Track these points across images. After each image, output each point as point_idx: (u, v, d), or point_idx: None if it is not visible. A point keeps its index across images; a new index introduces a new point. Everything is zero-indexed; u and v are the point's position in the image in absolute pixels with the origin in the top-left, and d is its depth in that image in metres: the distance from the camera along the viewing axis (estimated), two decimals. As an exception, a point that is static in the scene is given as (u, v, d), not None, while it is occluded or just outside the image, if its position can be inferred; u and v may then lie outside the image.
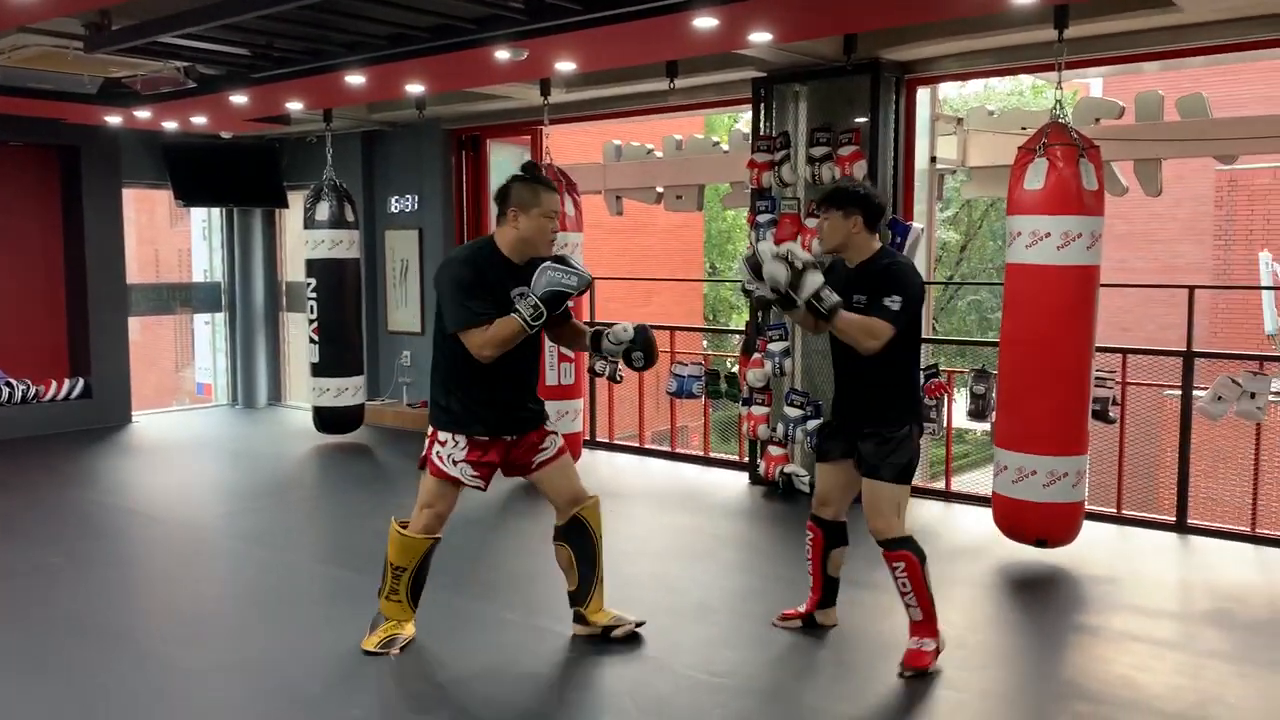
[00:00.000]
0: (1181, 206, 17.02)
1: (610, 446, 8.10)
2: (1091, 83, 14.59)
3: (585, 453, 7.57)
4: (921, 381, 4.10)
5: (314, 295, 8.28)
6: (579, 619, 4.27)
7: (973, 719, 3.62)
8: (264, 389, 10.57)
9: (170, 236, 21.86)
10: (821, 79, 6.55)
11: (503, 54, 5.35)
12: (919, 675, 3.84)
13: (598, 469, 7.41)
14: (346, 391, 8.41)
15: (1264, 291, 14.28)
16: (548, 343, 6.82)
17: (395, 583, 4.12)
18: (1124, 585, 4.91)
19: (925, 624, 3.92)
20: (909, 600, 3.92)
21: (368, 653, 4.09)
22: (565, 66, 5.82)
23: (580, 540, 4.20)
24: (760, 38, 5.11)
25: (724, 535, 6.03)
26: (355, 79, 6.09)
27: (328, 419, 8.44)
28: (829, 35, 5.85)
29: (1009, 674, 4.02)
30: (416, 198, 9.25)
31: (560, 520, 4.21)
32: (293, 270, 10.63)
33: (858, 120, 6.37)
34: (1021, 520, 5.15)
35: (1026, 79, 19.20)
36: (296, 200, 10.24)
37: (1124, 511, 5.97)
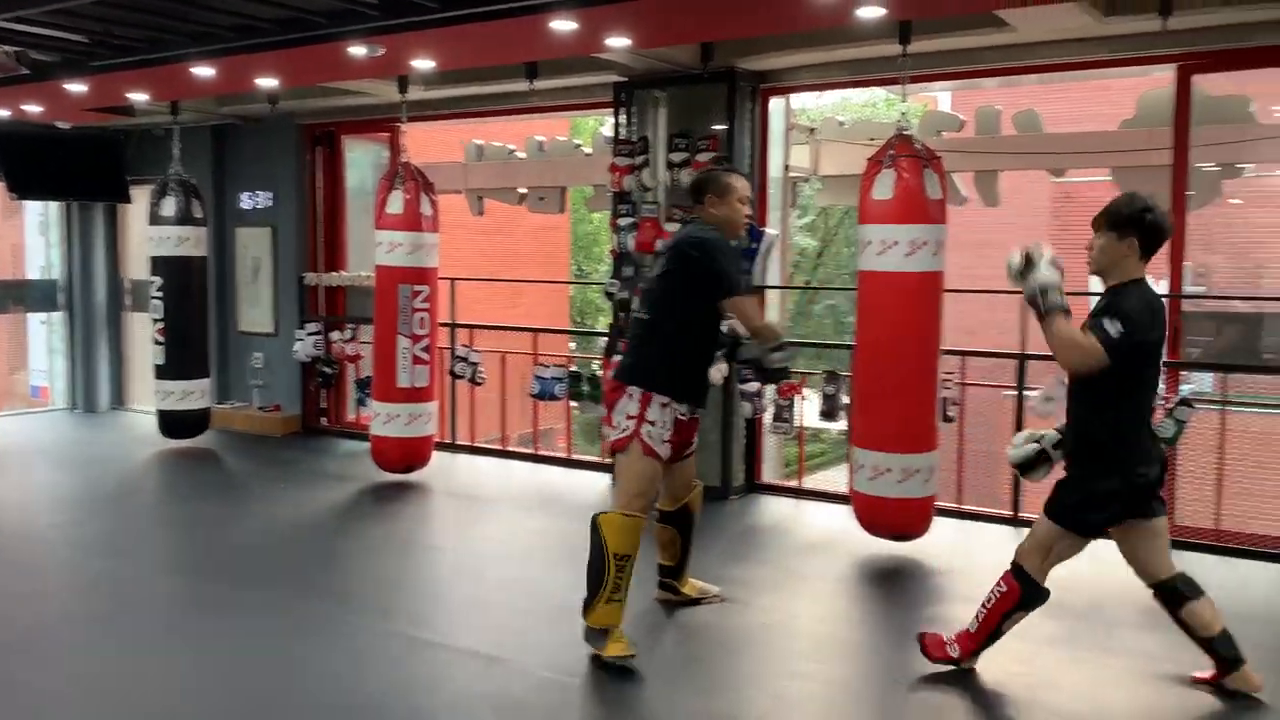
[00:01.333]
0: (1022, 216, 17.91)
1: (472, 450, 8.03)
2: (940, 96, 15.22)
3: (445, 456, 7.50)
4: (1139, 427, 3.66)
5: (159, 294, 7.94)
6: (670, 589, 4.62)
7: (819, 708, 3.74)
8: (106, 392, 10.08)
9: (6, 230, 20.59)
10: (680, 86, 6.65)
11: (358, 50, 5.25)
12: (924, 653, 3.89)
13: (457, 472, 7.34)
14: (192, 394, 8.10)
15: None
16: (401, 346, 6.78)
17: (619, 576, 3.95)
18: (964, 576, 5.15)
19: (973, 635, 3.87)
20: (979, 611, 3.85)
21: (612, 660, 3.93)
22: (423, 64, 5.75)
23: (686, 524, 4.51)
24: (618, 43, 5.16)
25: (586, 537, 6.03)
26: (202, 71, 5.87)
27: (172, 423, 8.10)
28: (686, 43, 5.95)
29: (855, 664, 4.17)
30: (270, 195, 8.97)
31: (670, 506, 4.44)
32: (136, 268, 10.17)
33: (715, 127, 6.49)
34: (879, 515, 5.35)
35: (880, 91, 19.95)
36: (141, 195, 9.80)
37: (965, 506, 6.26)
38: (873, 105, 19.66)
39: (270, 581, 4.99)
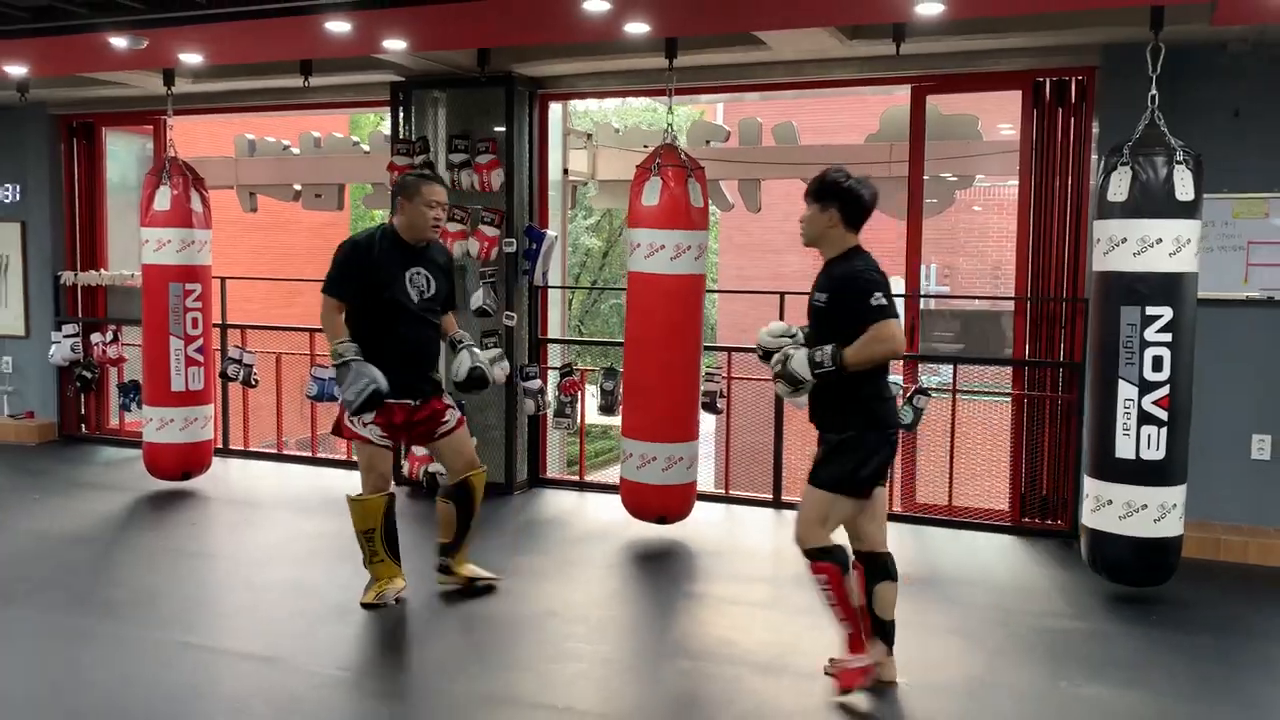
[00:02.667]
0: (789, 221, 18.87)
1: (246, 454, 7.84)
2: (717, 107, 15.94)
3: (219, 462, 7.29)
4: (883, 386, 3.74)
5: (-110, 293, 7.33)
6: (444, 569, 4.81)
7: (593, 685, 3.96)
8: None
9: None
10: (459, 88, 6.75)
11: (119, 42, 5.08)
12: (846, 693, 3.71)
13: (233, 478, 7.16)
14: (-67, 402, 7.51)
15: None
16: (174, 347, 6.57)
17: (370, 546, 4.51)
18: (728, 557, 5.53)
19: (853, 641, 3.75)
20: (835, 614, 3.74)
21: (365, 605, 4.48)
22: (191, 58, 5.61)
23: (464, 501, 4.73)
24: (395, 45, 5.22)
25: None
26: (-57, 55, 5.50)
27: (-91, 433, 7.50)
28: (464, 48, 6.06)
29: (627, 641, 4.42)
30: (18, 188, 8.41)
31: (451, 481, 4.75)
32: None
33: (494, 130, 6.63)
34: (644, 501, 5.65)
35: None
36: None
37: (731, 492, 6.67)
38: (652, 110, 20.25)
39: (29, 594, 4.77)
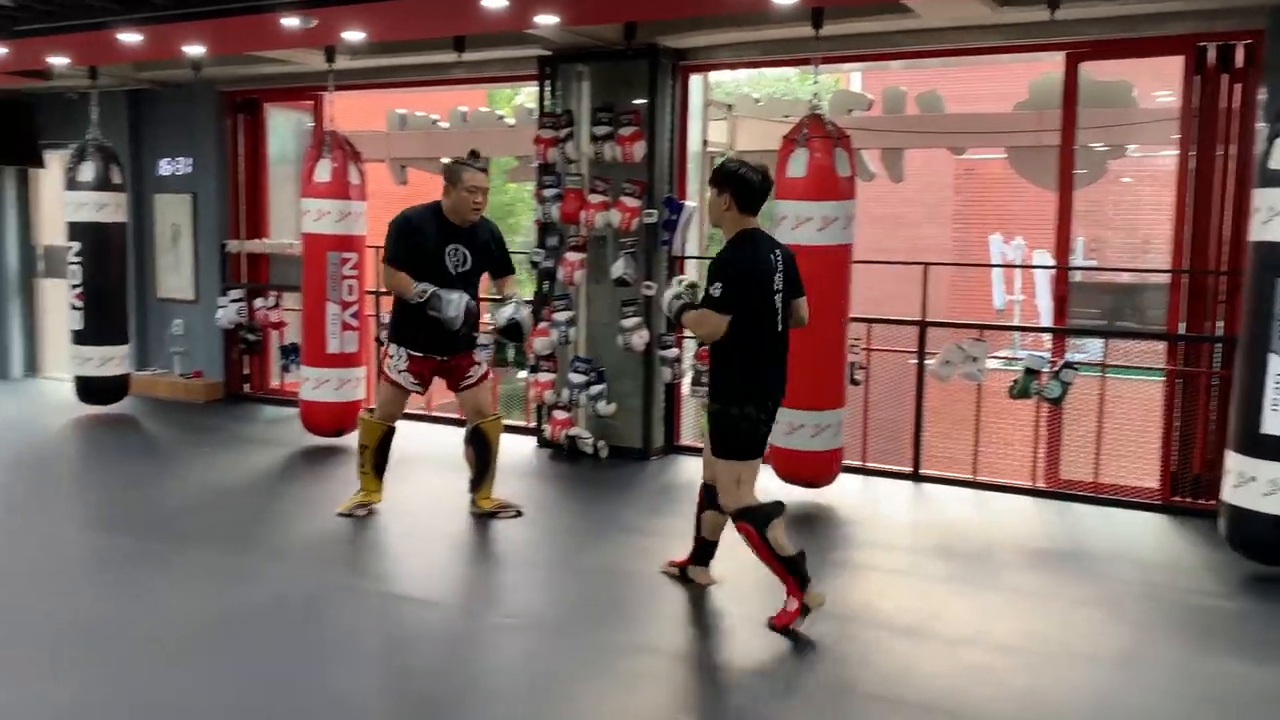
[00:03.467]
0: (927, 192, 18.55)
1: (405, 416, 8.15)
2: (852, 75, 15.69)
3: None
4: (764, 365, 4.16)
5: (77, 260, 7.91)
6: (472, 503, 5.50)
7: (736, 643, 4.07)
8: (19, 359, 9.94)
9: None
10: (603, 61, 6.88)
11: (291, 21, 5.37)
12: (784, 633, 4.01)
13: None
14: (111, 361, 8.09)
15: (993, 270, 15.88)
16: (331, 312, 6.93)
17: (361, 458, 5.47)
18: (867, 525, 5.56)
19: (787, 586, 4.05)
20: (767, 569, 4.09)
21: (340, 514, 5.40)
22: (354, 36, 5.88)
23: (479, 444, 5.44)
24: (547, 20, 5.37)
25: (514, 494, 6.28)
26: (129, 38, 5.91)
27: (90, 389, 8.09)
28: (612, 22, 6.17)
29: (770, 603, 4.46)
30: (190, 161, 8.94)
31: (469, 427, 5.45)
32: (50, 234, 10.03)
33: (636, 102, 6.74)
34: (793, 467, 5.75)
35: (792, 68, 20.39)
36: (54, 160, 9.68)
37: (869, 463, 6.67)
38: (785, 80, 20.06)
39: (203, 538, 5.14)
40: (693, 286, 4.37)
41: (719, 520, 4.41)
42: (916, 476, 6.41)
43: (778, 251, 4.17)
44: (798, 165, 5.52)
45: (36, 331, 10.06)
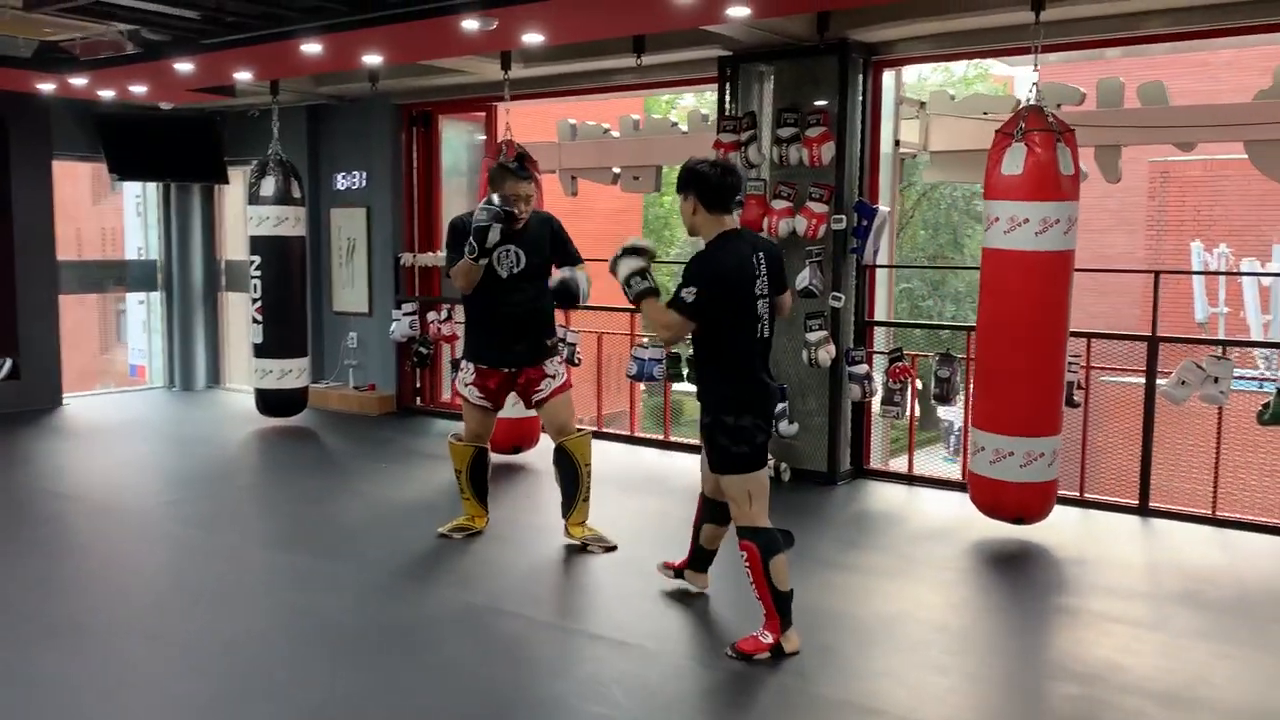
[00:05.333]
0: (1111, 198, 17.35)
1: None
2: (1015, 73, 14.72)
3: (545, 437, 7.39)
4: (749, 369, 3.91)
5: (258, 273, 7.99)
6: (566, 530, 5.12)
7: (968, 704, 3.57)
8: (202, 371, 10.22)
9: (92, 214, 21.07)
10: (788, 59, 6.47)
11: (471, 24, 5.16)
12: (742, 658, 3.77)
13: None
14: (290, 373, 8.14)
15: (1195, 280, 14.65)
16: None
17: (459, 481, 5.27)
18: (1095, 567, 4.94)
19: (768, 618, 3.81)
20: (754, 592, 3.83)
21: (439, 535, 5.24)
22: (532, 38, 5.65)
23: (564, 465, 5.06)
24: (739, 12, 5.00)
25: (687, 521, 5.93)
26: (311, 48, 5.84)
27: (271, 401, 8.17)
28: (804, 13, 5.77)
29: (994, 656, 3.99)
30: (364, 175, 8.98)
31: (554, 447, 5.10)
32: (233, 248, 10.29)
33: (820, 102, 6.30)
34: (999, 499, 5.17)
35: (958, 67, 19.40)
36: (236, 176, 9.92)
37: (1087, 495, 6.02)
38: (981, 73, 19.13)
39: (381, 559, 4.96)
40: (651, 256, 3.99)
41: (719, 533, 4.30)
42: (1144, 510, 5.72)
43: (761, 253, 3.93)
44: (1014, 162, 4.97)
45: (220, 344, 10.32)
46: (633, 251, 3.99)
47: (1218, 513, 5.63)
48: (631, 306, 4.46)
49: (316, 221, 9.08)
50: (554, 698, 3.56)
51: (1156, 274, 5.74)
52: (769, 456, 4.11)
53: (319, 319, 9.22)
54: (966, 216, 23.17)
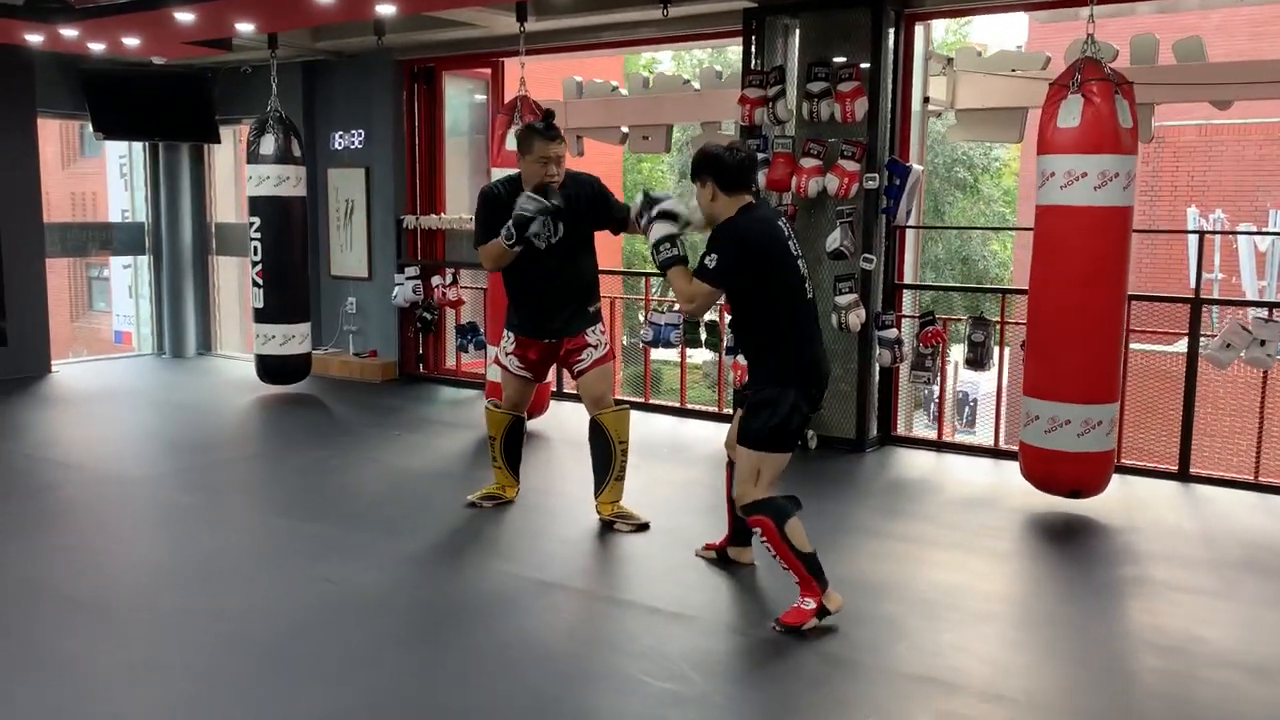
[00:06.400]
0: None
1: (571, 396, 7.72)
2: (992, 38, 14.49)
3: (554, 405, 7.18)
4: (801, 344, 3.76)
5: (258, 236, 7.70)
6: (596, 507, 4.86)
7: (1048, 678, 3.42)
8: (193, 337, 9.91)
9: (62, 180, 20.47)
10: (816, 12, 6.26)
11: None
12: (790, 632, 3.62)
13: (570, 420, 7.01)
14: (293, 339, 7.87)
15: (1189, 244, 14.57)
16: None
17: (491, 449, 5.07)
18: (1147, 534, 4.81)
19: (803, 584, 3.68)
20: (780, 564, 3.71)
21: (468, 503, 5.03)
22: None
23: (597, 440, 4.83)
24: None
25: (714, 491, 5.74)
26: (323, -5, 5.55)
27: (273, 368, 7.89)
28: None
29: (1067, 629, 3.81)
30: (363, 134, 8.68)
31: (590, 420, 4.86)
32: (223, 211, 9.95)
33: (855, 56, 6.08)
34: (1054, 470, 5.00)
35: (938, 32, 19.03)
36: (227, 135, 9.59)
37: (1124, 460, 5.89)
38: (945, 45, 18.91)
39: (413, 530, 4.75)
40: (684, 224, 3.90)
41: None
42: (1185, 476, 5.61)
43: (783, 222, 3.84)
44: (1070, 114, 4.77)
45: (210, 309, 10.01)
46: (668, 216, 3.89)
47: (1260, 478, 5.53)
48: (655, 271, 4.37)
49: (313, 183, 8.75)
50: (623, 674, 3.37)
51: (1201, 234, 5.58)
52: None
53: (315, 284, 8.92)
54: (948, 184, 23.03)
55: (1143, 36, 6.43)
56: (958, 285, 17.31)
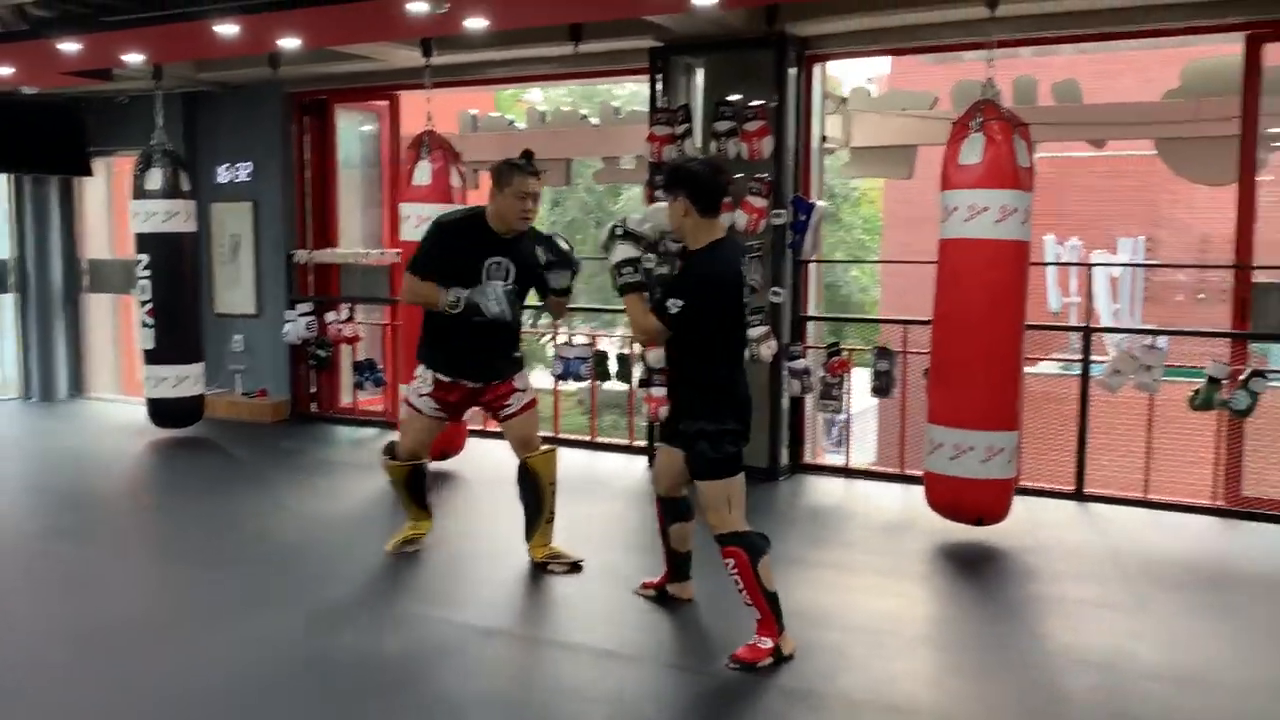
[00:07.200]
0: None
1: (486, 434, 7.64)
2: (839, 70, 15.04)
3: (472, 441, 7.07)
4: (736, 375, 3.87)
5: (147, 274, 7.36)
6: (528, 550, 4.75)
7: (995, 699, 3.56)
8: (64, 379, 9.38)
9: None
10: (720, 51, 6.40)
11: (421, 6, 4.86)
12: (745, 669, 3.64)
13: (483, 459, 6.93)
14: (186, 380, 7.55)
15: (1048, 271, 15.41)
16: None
17: (397, 491, 4.90)
18: (1057, 553, 5.05)
19: (763, 622, 3.72)
20: (744, 598, 3.74)
21: (390, 551, 4.83)
22: (477, 24, 5.37)
23: (527, 483, 4.73)
24: (704, 1, 4.87)
25: (631, 523, 5.74)
26: (227, 29, 5.38)
27: (165, 411, 7.54)
28: (757, 5, 5.70)
29: (1003, 650, 3.94)
30: (250, 166, 8.41)
31: (518, 464, 4.74)
32: (95, 247, 9.49)
33: (758, 95, 6.23)
34: (959, 497, 5.19)
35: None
36: (101, 167, 9.18)
37: (1024, 482, 6.17)
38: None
39: (344, 579, 4.61)
40: (647, 246, 4.00)
41: (687, 530, 4.18)
42: (1081, 496, 5.92)
43: (744, 257, 3.98)
44: (973, 151, 5.02)
45: (82, 349, 9.51)
46: (630, 236, 3.88)
47: (1149, 495, 5.87)
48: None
49: (197, 217, 8.44)
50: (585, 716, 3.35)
51: (1089, 267, 5.93)
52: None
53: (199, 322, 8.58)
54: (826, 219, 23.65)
55: (1024, 78, 6.81)
56: (862, 317, 17.76)
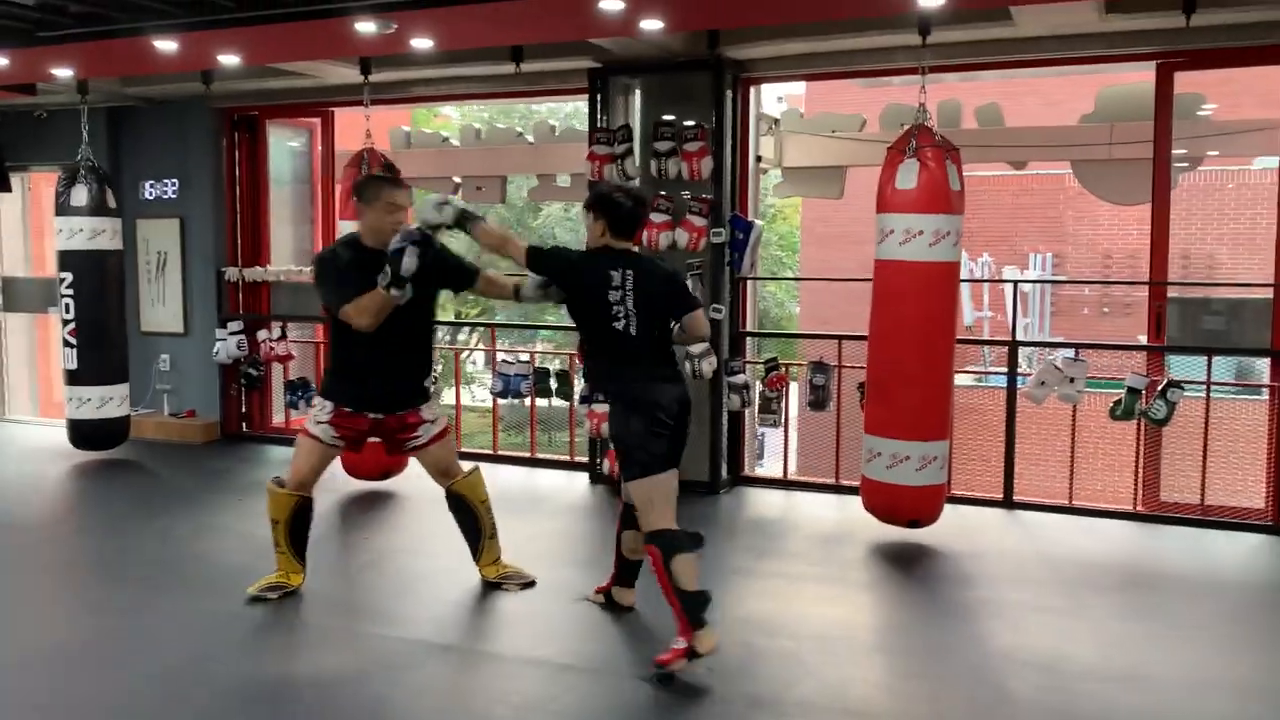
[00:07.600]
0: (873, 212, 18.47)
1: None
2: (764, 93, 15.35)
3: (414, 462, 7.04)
4: (622, 371, 4.03)
5: (70, 292, 7.19)
6: (479, 572, 4.77)
7: (948, 701, 3.70)
8: (-23, 402, 9.07)
9: None
10: (657, 73, 6.52)
11: (368, 26, 4.87)
12: (661, 672, 3.72)
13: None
14: (111, 401, 7.37)
15: (962, 286, 15.91)
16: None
17: (274, 532, 4.57)
18: (993, 559, 5.26)
19: (678, 623, 3.77)
20: (663, 597, 3.81)
21: (251, 596, 4.50)
22: (422, 44, 5.40)
23: (459, 509, 4.74)
24: (652, 25, 4.98)
25: (575, 539, 5.83)
26: (166, 45, 5.32)
27: (88, 433, 7.35)
28: (702, 29, 5.84)
29: (950, 654, 4.08)
30: (177, 183, 8.27)
31: (445, 493, 4.74)
32: (12, 264, 9.21)
33: (694, 116, 6.35)
34: (896, 503, 5.38)
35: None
36: (18, 182, 8.91)
37: (955, 491, 6.38)
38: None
39: (287, 600, 4.57)
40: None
41: (639, 539, 4.16)
42: (1010, 504, 6.15)
43: (630, 270, 4.00)
44: (908, 176, 5.22)
45: (-2, 370, 9.22)
46: (421, 242, 4.19)
47: (1074, 502, 6.13)
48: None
49: (121, 234, 8.25)
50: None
51: (1015, 284, 6.19)
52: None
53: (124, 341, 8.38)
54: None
55: (948, 101, 7.08)
56: (798, 333, 18.06)
